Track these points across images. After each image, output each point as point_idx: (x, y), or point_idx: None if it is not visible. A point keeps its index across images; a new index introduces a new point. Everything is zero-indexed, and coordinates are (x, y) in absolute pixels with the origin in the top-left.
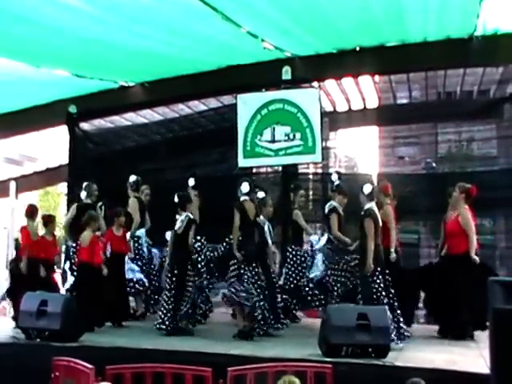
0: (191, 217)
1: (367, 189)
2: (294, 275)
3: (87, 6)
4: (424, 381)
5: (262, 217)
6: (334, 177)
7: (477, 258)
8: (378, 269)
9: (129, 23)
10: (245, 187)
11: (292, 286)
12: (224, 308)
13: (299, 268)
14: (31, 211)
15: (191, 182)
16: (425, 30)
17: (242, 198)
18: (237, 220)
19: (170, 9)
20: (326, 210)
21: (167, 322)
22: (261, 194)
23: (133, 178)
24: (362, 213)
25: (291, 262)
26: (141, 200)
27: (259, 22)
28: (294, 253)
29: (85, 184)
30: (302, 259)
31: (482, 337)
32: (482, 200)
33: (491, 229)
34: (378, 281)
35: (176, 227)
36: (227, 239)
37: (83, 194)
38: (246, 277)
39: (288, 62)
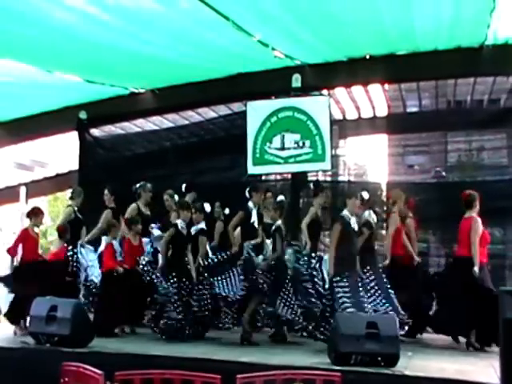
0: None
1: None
2: None
3: (100, 12)
4: None
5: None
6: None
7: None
8: (346, 273)
9: (140, 30)
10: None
11: None
12: None
13: None
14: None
15: (183, 187)
16: (435, 39)
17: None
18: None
19: (182, 17)
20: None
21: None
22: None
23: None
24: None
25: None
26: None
27: (270, 30)
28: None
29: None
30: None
31: (493, 347)
32: (492, 209)
33: (501, 238)
34: (342, 284)
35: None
36: None
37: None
38: None
39: (298, 69)
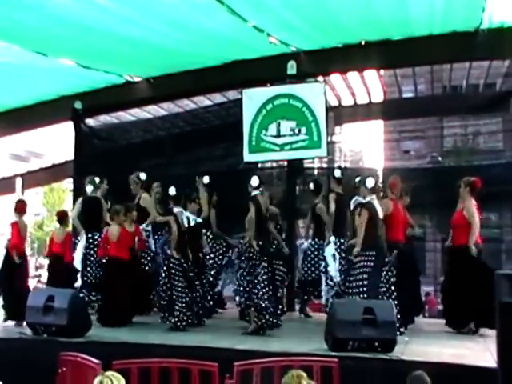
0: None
1: (370, 183)
2: (313, 269)
3: None
4: (430, 375)
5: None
6: (337, 173)
7: (474, 249)
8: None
9: (134, 14)
10: (254, 181)
11: (310, 279)
12: (230, 303)
13: (319, 262)
14: (22, 207)
15: (206, 179)
16: (430, 24)
17: (254, 193)
18: (252, 213)
19: (177, 1)
20: (352, 207)
21: (177, 318)
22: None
23: (143, 175)
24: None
25: (312, 256)
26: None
27: (265, 16)
28: (316, 246)
29: (88, 178)
30: (322, 254)
31: (489, 331)
32: (488, 194)
33: (497, 223)
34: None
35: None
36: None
37: (89, 189)
38: (258, 270)
39: (293, 56)
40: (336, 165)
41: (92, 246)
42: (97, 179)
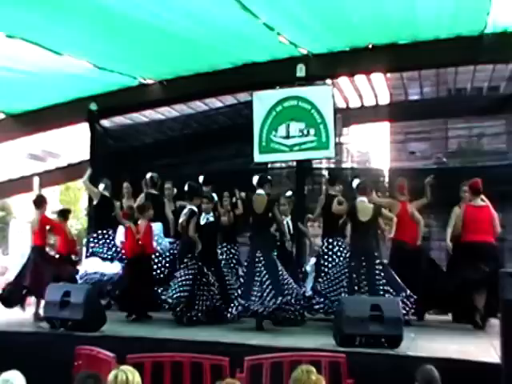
0: (194, 209)
1: (354, 184)
2: None
3: None
4: (436, 370)
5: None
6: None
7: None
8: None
9: (144, 4)
10: (254, 180)
11: None
12: None
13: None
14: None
15: (201, 179)
16: (436, 28)
17: (257, 192)
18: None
19: None
20: None
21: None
22: (289, 193)
23: (148, 175)
24: None
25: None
26: (155, 196)
27: (276, 14)
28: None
29: (104, 178)
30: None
31: (493, 327)
32: (492, 194)
33: (501, 222)
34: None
35: (180, 220)
36: None
37: (101, 187)
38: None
39: (302, 59)
40: (344, 165)
41: (103, 242)
42: (107, 181)
